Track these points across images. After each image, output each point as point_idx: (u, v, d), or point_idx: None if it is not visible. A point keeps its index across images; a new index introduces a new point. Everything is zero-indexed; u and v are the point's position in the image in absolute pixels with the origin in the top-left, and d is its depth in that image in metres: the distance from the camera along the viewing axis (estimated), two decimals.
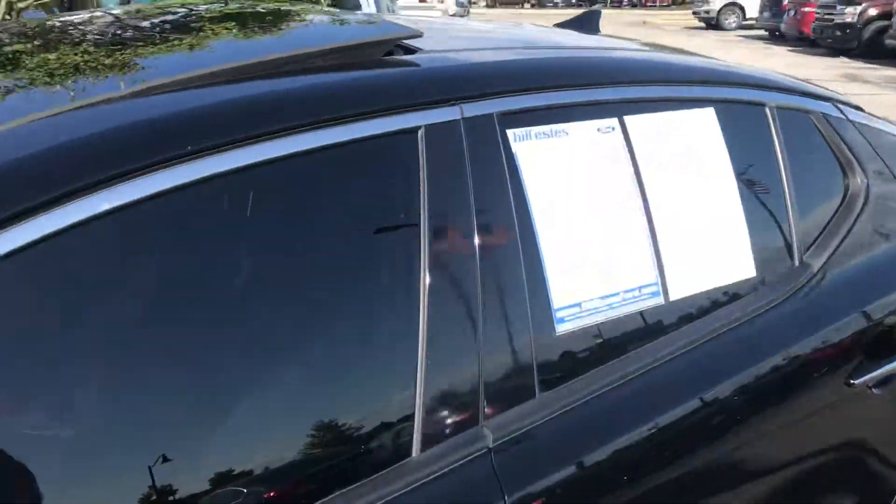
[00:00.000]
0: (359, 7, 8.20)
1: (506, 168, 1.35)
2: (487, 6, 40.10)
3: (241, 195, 1.13)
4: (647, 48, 2.08)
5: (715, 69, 1.79)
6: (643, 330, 1.48)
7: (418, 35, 1.44)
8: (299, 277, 1.18)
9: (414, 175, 1.26)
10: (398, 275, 1.24)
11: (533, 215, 1.36)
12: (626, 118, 1.51)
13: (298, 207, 1.19)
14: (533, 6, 39.93)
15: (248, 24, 1.64)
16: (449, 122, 1.31)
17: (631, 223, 1.48)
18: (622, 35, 2.44)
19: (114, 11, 1.92)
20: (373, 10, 8.30)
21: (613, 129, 1.50)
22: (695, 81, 1.66)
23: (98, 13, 1.86)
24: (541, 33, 2.06)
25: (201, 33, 1.52)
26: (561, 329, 1.37)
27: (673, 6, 39.88)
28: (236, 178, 1.12)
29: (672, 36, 21.47)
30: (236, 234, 1.15)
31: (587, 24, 2.31)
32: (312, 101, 1.22)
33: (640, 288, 1.47)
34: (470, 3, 33.07)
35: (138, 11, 1.79)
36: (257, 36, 1.48)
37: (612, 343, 1.44)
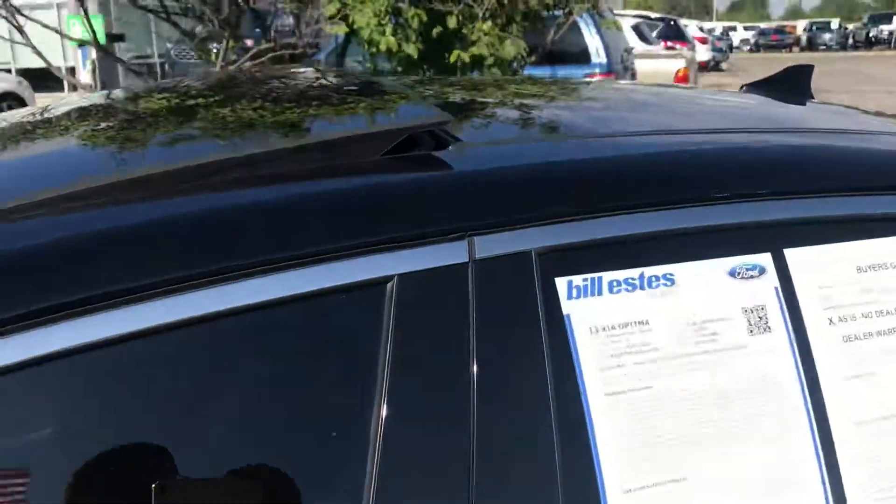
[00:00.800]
0: (588, 58, 7.74)
1: (545, 341, 0.81)
2: (751, 51, 37.75)
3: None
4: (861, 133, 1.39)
5: None
6: None
7: (445, 122, 0.95)
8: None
9: (370, 360, 0.76)
10: None
11: (593, 423, 0.81)
12: (787, 252, 0.91)
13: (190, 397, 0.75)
14: (802, 49, 36.83)
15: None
16: (446, 267, 0.80)
17: (783, 423, 0.87)
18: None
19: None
20: (603, 60, 7.80)
21: (762, 270, 0.90)
22: None
23: (302, 70, 1.72)
24: (692, 105, 1.46)
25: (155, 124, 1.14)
26: None
27: None
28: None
29: None
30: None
31: (790, 84, 1.64)
32: (215, 241, 0.77)
33: None
34: (731, 48, 31.24)
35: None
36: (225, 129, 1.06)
37: None
